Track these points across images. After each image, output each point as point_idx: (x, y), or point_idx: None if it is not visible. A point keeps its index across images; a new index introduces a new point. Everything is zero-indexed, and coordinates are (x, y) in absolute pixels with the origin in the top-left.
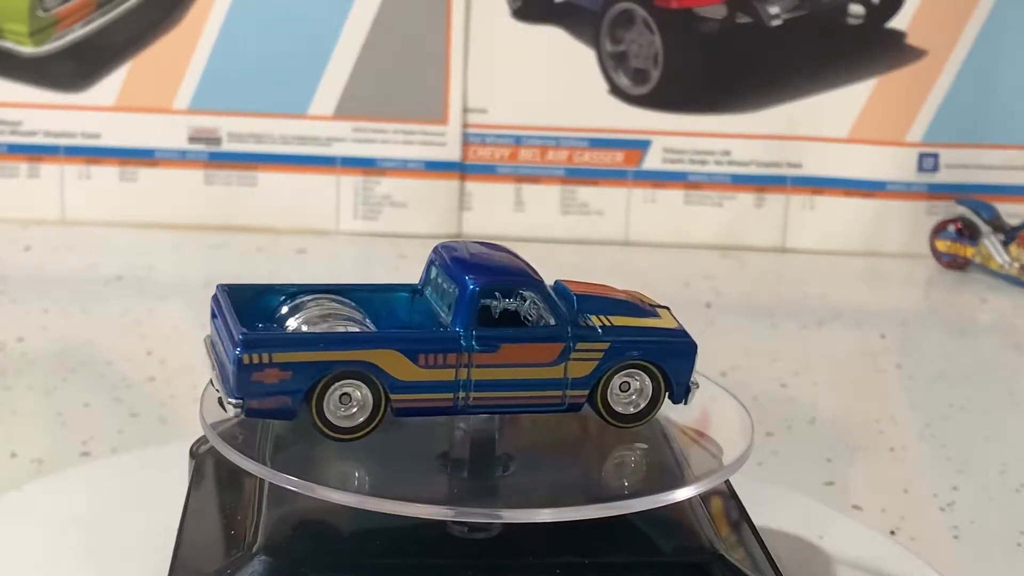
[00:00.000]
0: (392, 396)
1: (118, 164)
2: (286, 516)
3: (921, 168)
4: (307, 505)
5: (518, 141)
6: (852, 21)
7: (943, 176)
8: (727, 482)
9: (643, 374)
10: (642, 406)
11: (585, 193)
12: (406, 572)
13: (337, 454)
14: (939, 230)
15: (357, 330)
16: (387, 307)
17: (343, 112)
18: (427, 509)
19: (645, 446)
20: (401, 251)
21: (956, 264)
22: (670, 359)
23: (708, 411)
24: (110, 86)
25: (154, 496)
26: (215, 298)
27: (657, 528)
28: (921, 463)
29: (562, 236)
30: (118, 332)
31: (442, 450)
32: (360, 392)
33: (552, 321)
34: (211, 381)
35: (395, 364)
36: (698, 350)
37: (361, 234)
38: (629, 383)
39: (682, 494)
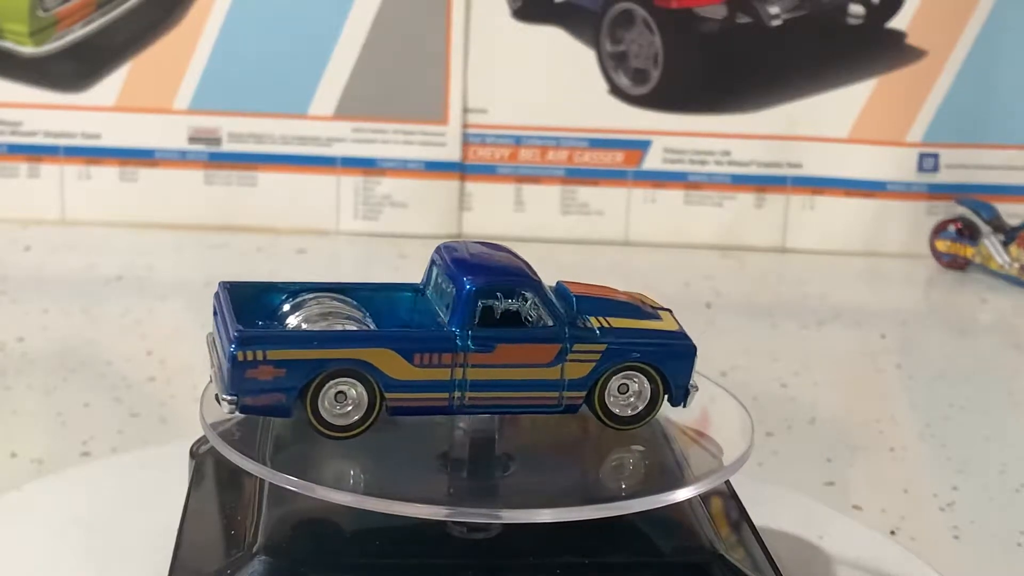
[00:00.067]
0: (387, 395)
1: (118, 164)
2: (286, 516)
3: (921, 168)
4: (307, 505)
5: (518, 141)
6: (852, 21)
7: (943, 176)
8: (727, 482)
9: (642, 376)
10: (640, 408)
11: (585, 193)
12: (406, 572)
13: (337, 454)
14: (939, 230)
15: (354, 328)
16: (389, 307)
17: (343, 112)
18: (427, 509)
19: (645, 446)
20: (401, 251)
21: (956, 264)
22: (669, 361)
23: (708, 411)
24: (110, 86)
25: (154, 496)
26: (216, 295)
27: (657, 528)
28: (921, 463)
29: (562, 236)
30: (118, 332)
31: (442, 450)
32: (355, 390)
33: (550, 322)
34: (211, 378)
35: (390, 363)
36: (698, 352)
37: (361, 234)
38: (627, 385)
39: (682, 494)
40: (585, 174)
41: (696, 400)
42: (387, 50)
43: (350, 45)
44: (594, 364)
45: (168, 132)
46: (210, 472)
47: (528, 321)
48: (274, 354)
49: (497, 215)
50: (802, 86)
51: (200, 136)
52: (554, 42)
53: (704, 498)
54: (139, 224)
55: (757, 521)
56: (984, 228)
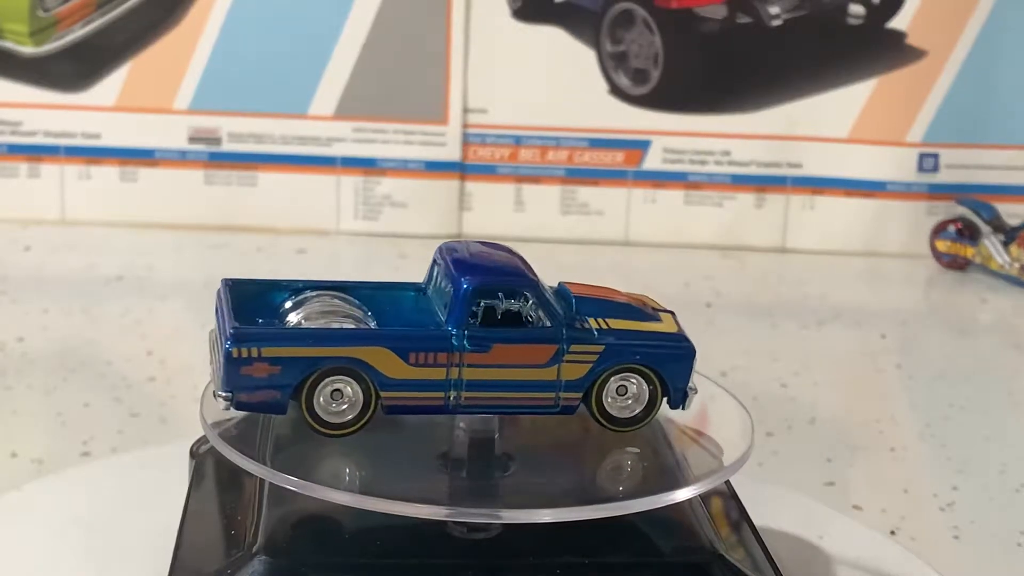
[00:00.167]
0: (382, 393)
1: (118, 164)
2: (286, 516)
3: (921, 168)
4: (307, 505)
5: (518, 141)
6: (852, 21)
7: (943, 176)
8: (727, 482)
9: (640, 378)
10: (638, 411)
11: (585, 193)
12: (406, 572)
13: (337, 454)
14: (939, 230)
15: (351, 326)
16: (391, 306)
17: (343, 112)
18: (426, 509)
19: (645, 447)
20: (401, 251)
21: (956, 264)
22: (667, 363)
23: (708, 411)
24: (110, 86)
25: (154, 496)
26: (218, 292)
27: (657, 528)
28: (921, 463)
29: (562, 236)
30: (118, 332)
31: (442, 450)
32: (351, 388)
33: (547, 322)
34: (211, 375)
35: (385, 361)
36: (697, 355)
37: (361, 234)
38: (626, 387)
39: (682, 495)
40: (585, 174)
41: (696, 400)
42: (387, 50)
43: (350, 45)
44: (591, 365)
45: (168, 132)
46: (210, 472)
47: (528, 321)
48: (269, 351)
49: (497, 215)
50: (802, 86)
51: (200, 136)
52: (554, 42)
53: (704, 498)
54: (139, 224)
55: (757, 521)
56: (984, 228)
